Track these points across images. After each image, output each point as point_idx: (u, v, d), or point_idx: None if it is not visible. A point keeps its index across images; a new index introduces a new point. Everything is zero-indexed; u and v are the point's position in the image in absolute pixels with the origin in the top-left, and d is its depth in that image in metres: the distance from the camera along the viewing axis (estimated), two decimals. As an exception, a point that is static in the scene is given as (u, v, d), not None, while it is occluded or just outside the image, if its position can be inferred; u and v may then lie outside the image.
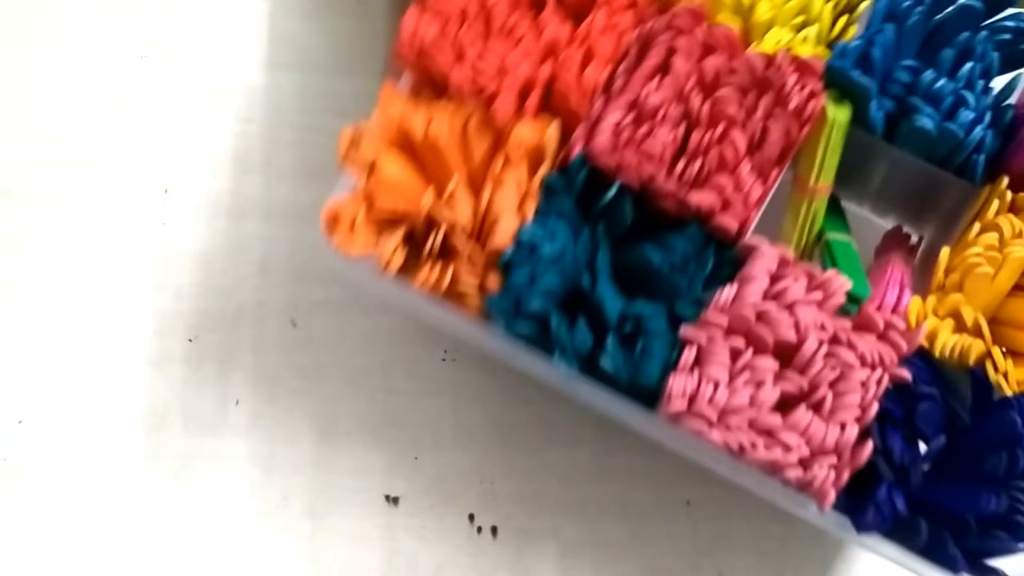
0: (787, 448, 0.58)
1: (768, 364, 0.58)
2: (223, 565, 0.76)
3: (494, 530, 0.77)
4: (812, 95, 0.60)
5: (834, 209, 0.68)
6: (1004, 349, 0.62)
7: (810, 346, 0.58)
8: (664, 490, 0.77)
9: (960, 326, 0.61)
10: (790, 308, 0.58)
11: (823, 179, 0.64)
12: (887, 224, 0.74)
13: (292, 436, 0.78)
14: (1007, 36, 0.63)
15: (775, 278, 0.59)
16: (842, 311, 0.60)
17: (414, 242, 0.62)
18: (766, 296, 0.59)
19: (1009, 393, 0.60)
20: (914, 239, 0.73)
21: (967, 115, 0.61)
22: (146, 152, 0.83)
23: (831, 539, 0.76)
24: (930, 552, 0.59)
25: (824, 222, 0.67)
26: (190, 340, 0.80)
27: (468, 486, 0.77)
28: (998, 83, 0.64)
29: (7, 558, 0.75)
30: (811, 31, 0.63)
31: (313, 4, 0.86)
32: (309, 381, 0.79)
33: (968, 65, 0.62)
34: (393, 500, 0.77)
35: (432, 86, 0.64)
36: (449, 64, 0.61)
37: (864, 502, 0.59)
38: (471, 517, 0.77)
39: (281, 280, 0.80)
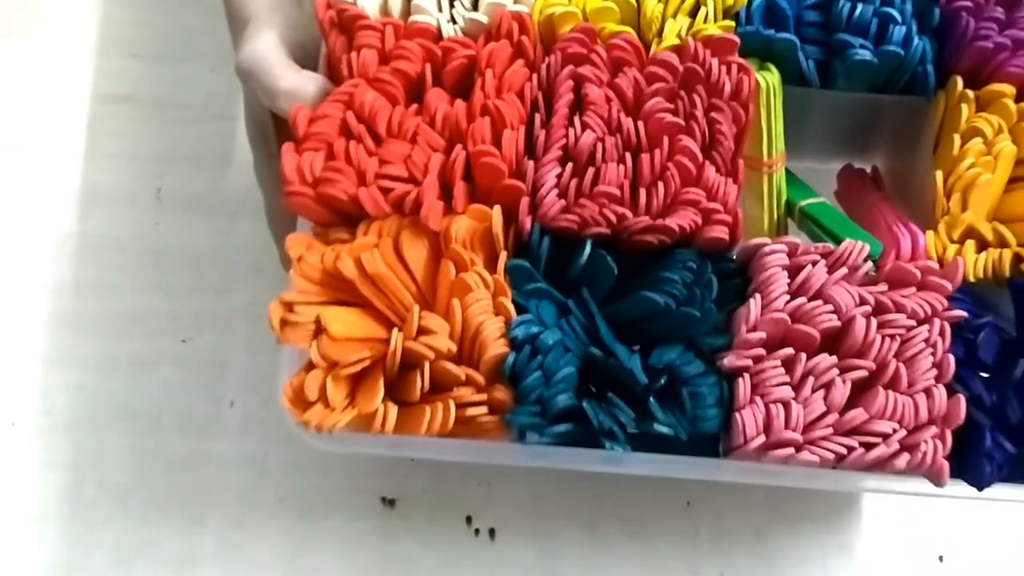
0: (886, 438, 0.52)
1: (827, 361, 0.53)
2: (220, 566, 0.75)
3: (492, 532, 0.76)
4: (741, 70, 0.56)
5: (791, 177, 0.63)
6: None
7: (860, 325, 0.52)
8: (664, 490, 0.75)
9: (982, 243, 0.57)
10: (822, 295, 0.53)
11: (776, 150, 0.60)
12: (831, 167, 0.70)
13: (287, 437, 0.73)
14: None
15: (792, 270, 0.54)
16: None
17: (395, 385, 0.55)
18: (792, 293, 0.54)
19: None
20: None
21: (899, 31, 0.58)
22: (139, 152, 0.83)
23: (831, 539, 0.75)
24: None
25: (789, 192, 0.62)
26: (183, 341, 0.79)
27: (465, 487, 0.76)
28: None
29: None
30: (708, 7, 0.58)
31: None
32: None
33: (877, -19, 0.58)
34: (389, 502, 0.76)
35: (337, 216, 0.57)
36: (353, 188, 0.54)
37: (973, 459, 0.54)
38: (468, 519, 0.76)
39: (274, 279, 0.76)
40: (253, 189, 0.77)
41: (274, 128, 0.63)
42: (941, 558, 0.76)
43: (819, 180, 0.67)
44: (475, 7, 0.59)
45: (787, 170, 0.63)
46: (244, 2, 0.63)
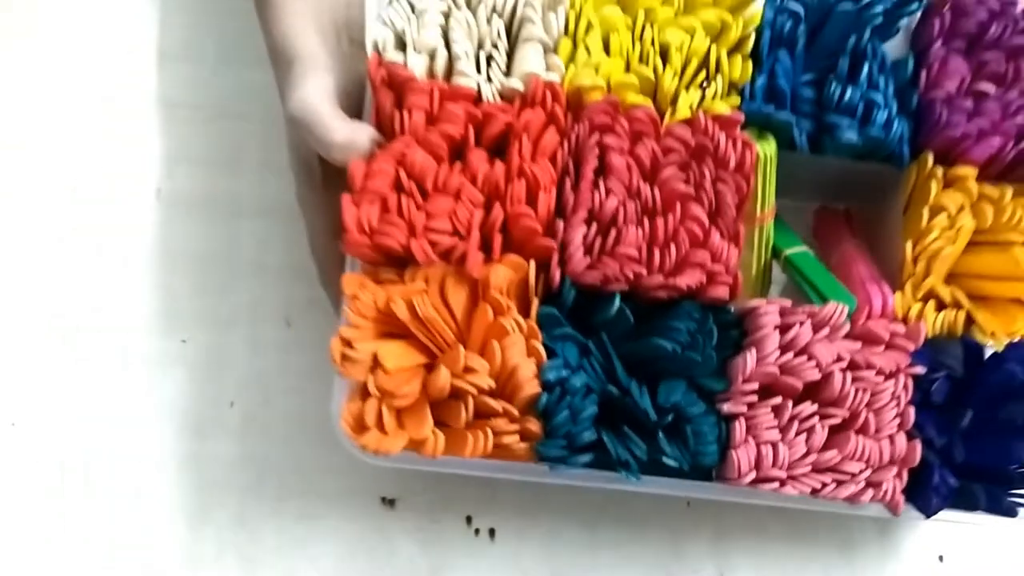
0: (855, 477, 0.62)
1: (809, 409, 0.62)
2: (220, 566, 0.76)
3: (492, 532, 0.77)
4: (745, 146, 0.63)
5: (778, 223, 0.71)
6: (972, 296, 0.68)
7: (837, 380, 0.61)
8: (664, 491, 0.78)
9: (940, 304, 0.67)
10: (806, 352, 0.62)
11: (767, 205, 0.67)
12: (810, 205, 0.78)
13: (287, 438, 0.77)
14: (880, 20, 0.67)
15: (782, 329, 0.62)
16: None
17: (439, 408, 0.62)
18: (781, 348, 0.62)
19: (1000, 348, 0.65)
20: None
21: (882, 114, 0.65)
22: (139, 151, 0.81)
23: (831, 539, 0.78)
24: (989, 508, 0.65)
25: (776, 239, 0.70)
26: (183, 341, 0.79)
27: (465, 487, 0.76)
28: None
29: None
30: (716, 84, 0.65)
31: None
32: (304, 382, 0.77)
33: (866, 67, 0.66)
34: (389, 502, 0.77)
35: (389, 260, 0.63)
36: (405, 239, 0.61)
37: (924, 491, 0.64)
38: (468, 519, 0.77)
39: (275, 279, 0.79)
40: (254, 189, 0.79)
41: (319, 163, 0.67)
42: (941, 558, 0.78)
43: (796, 217, 0.75)
44: (508, 66, 0.66)
45: (777, 215, 0.71)
46: (289, 41, 0.66)
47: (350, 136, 0.62)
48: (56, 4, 0.83)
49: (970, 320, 0.66)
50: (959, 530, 0.77)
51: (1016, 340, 0.65)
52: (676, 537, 0.78)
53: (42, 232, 0.80)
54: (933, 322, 0.66)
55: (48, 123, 0.81)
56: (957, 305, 0.66)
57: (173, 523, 0.76)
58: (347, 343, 0.61)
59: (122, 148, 0.81)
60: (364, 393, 0.61)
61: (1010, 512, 0.64)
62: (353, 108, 0.67)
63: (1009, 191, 0.66)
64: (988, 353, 0.66)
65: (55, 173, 0.81)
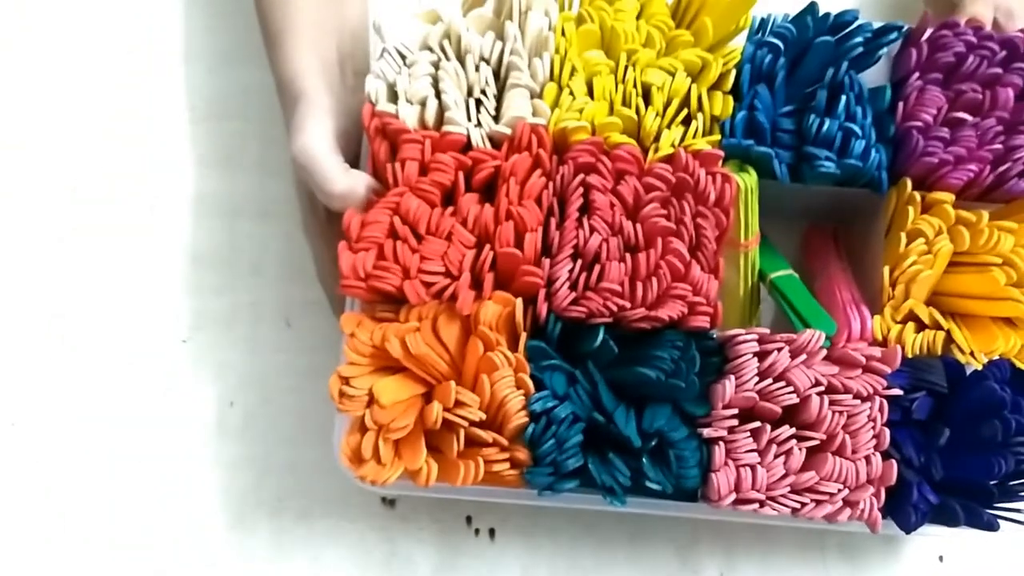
0: (832, 497, 0.65)
1: (787, 432, 0.64)
2: (220, 566, 0.77)
3: (492, 532, 0.78)
4: (724, 180, 0.66)
5: (765, 246, 0.74)
6: (951, 314, 0.70)
7: (814, 404, 0.64)
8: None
9: (920, 325, 0.69)
10: (784, 377, 0.65)
11: (751, 233, 0.70)
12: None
13: (287, 438, 0.79)
14: (860, 50, 0.69)
15: (761, 356, 0.65)
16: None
17: (432, 437, 0.66)
18: (760, 374, 0.65)
19: (980, 366, 0.67)
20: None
21: (859, 144, 0.67)
22: (139, 151, 0.83)
23: (831, 539, 0.79)
24: (969, 523, 0.67)
25: (762, 263, 0.72)
26: (184, 341, 0.80)
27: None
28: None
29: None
30: (698, 121, 0.68)
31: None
32: (304, 381, 0.79)
33: (843, 98, 0.68)
34: (390, 502, 0.78)
35: (386, 298, 0.67)
36: (399, 282, 0.64)
37: (903, 508, 0.66)
38: (468, 519, 0.78)
39: (275, 280, 0.81)
40: (253, 190, 0.81)
41: None
42: (941, 558, 0.79)
43: (786, 235, 0.78)
44: (498, 111, 0.69)
45: (763, 236, 0.74)
46: (297, 79, 0.69)
47: (348, 187, 0.65)
48: (56, 4, 0.85)
49: (950, 340, 0.68)
50: (959, 530, 0.74)
51: (995, 358, 0.67)
52: (676, 537, 0.79)
53: (42, 232, 0.81)
54: (913, 343, 0.68)
55: (48, 123, 0.83)
56: (937, 326, 0.68)
57: (173, 523, 0.77)
58: (345, 380, 0.65)
59: (122, 148, 0.83)
60: (362, 427, 0.65)
61: (991, 526, 0.66)
62: (352, 148, 0.71)
63: (985, 215, 0.68)
64: (969, 371, 0.68)
65: (55, 173, 0.82)
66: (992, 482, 0.66)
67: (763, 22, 0.70)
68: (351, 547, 0.78)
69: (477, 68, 0.68)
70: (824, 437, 0.65)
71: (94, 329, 0.80)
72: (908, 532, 0.67)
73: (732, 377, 0.65)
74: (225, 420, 0.79)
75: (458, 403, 0.64)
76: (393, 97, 0.68)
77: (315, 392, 0.77)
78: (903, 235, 0.68)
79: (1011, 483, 0.67)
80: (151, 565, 0.77)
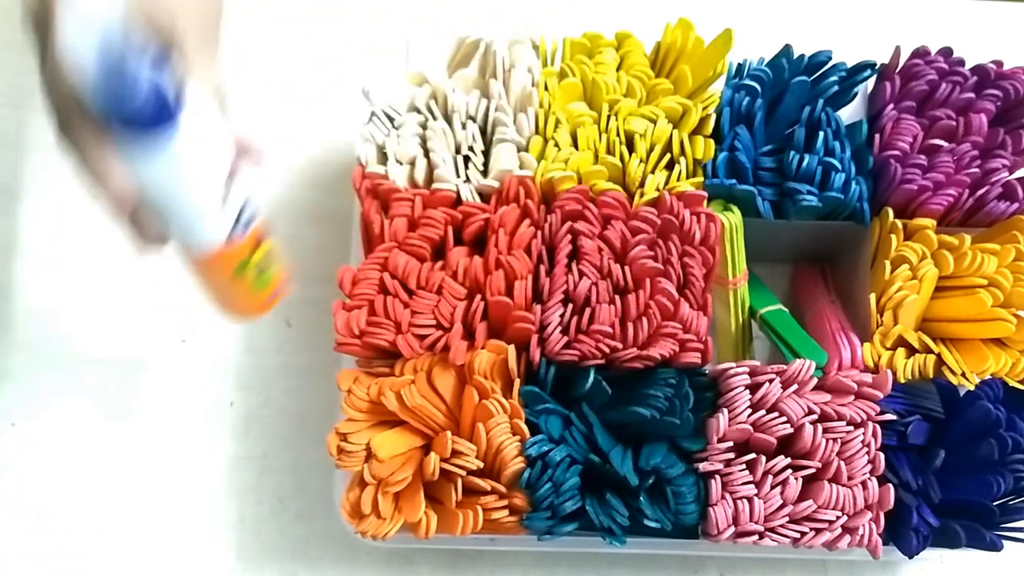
0: (831, 524, 0.65)
1: (782, 462, 0.65)
2: (220, 566, 0.77)
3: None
4: (709, 219, 0.67)
5: (754, 284, 0.75)
6: (941, 338, 0.71)
7: (808, 432, 0.65)
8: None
9: (910, 350, 0.70)
10: (777, 407, 0.66)
11: (739, 271, 0.72)
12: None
13: (287, 438, 0.79)
14: (835, 88, 0.71)
15: (752, 387, 0.66)
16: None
17: (431, 487, 0.67)
18: (753, 406, 0.66)
19: (972, 386, 0.68)
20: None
21: (840, 178, 0.69)
22: None
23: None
24: (971, 544, 0.67)
25: (751, 299, 0.74)
26: (183, 341, 0.80)
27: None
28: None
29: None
30: (681, 165, 0.70)
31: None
32: (304, 381, 0.79)
33: (821, 135, 0.69)
34: None
35: (381, 353, 0.69)
36: (392, 337, 0.66)
37: (904, 532, 0.67)
38: None
39: None
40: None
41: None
42: (941, 558, 0.79)
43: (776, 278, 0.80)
44: (486, 166, 0.71)
45: (752, 274, 0.75)
46: None
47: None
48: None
49: (940, 362, 0.69)
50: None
51: (987, 378, 0.68)
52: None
53: (42, 231, 0.82)
54: (903, 368, 0.69)
55: (48, 124, 0.74)
56: (927, 349, 0.69)
57: (173, 523, 0.78)
58: (343, 436, 0.66)
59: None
60: (362, 481, 0.67)
61: (994, 546, 0.66)
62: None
63: (967, 238, 0.69)
64: (963, 392, 0.69)
65: (56, 174, 0.82)
66: (992, 502, 0.67)
67: (740, 67, 0.72)
68: (350, 547, 0.78)
69: (464, 126, 0.70)
70: (819, 465, 0.66)
71: (94, 329, 0.80)
72: (911, 556, 0.67)
73: (726, 410, 0.66)
74: (225, 419, 0.79)
75: (455, 452, 0.65)
76: (383, 159, 0.70)
77: (315, 392, 0.78)
78: (887, 263, 0.69)
79: (1011, 501, 0.67)
80: (150, 561, 0.77)
